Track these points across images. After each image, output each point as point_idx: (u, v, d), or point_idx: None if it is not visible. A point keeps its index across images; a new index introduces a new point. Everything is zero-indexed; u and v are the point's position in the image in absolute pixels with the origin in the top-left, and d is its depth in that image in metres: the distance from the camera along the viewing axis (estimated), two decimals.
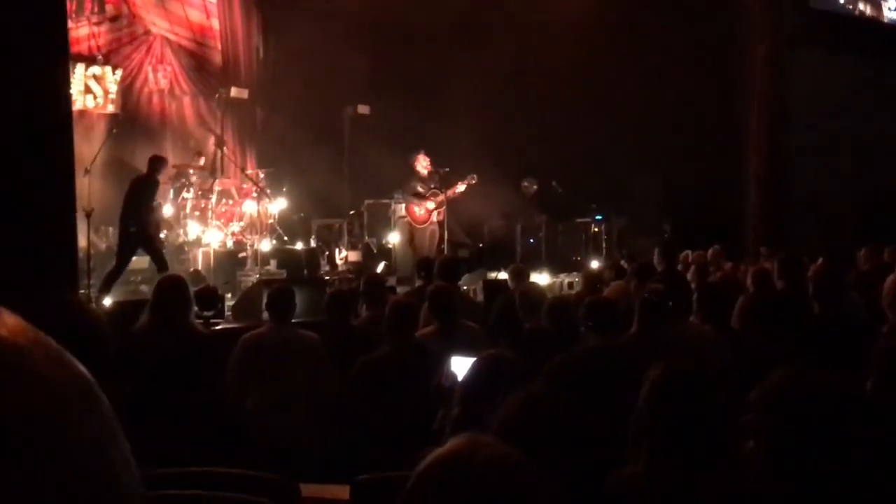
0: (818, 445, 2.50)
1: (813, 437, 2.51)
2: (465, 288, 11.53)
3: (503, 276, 12.41)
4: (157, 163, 13.05)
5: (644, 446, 3.03)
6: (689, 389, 3.05)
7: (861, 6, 24.31)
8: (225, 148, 16.52)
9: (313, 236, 16.28)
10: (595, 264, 15.33)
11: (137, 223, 12.48)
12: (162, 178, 13.24)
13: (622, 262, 13.32)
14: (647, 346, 5.89)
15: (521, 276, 10.01)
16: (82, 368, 0.75)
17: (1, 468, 0.65)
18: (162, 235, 14.09)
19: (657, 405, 3.04)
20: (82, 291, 10.81)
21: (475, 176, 15.29)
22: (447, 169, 15.48)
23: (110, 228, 15.25)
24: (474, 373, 3.85)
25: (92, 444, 0.71)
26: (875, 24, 24.73)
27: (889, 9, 25.01)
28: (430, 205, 15.18)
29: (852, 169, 21.82)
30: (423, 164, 15.29)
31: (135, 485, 0.74)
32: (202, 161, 16.02)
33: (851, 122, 21.99)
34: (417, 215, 15.25)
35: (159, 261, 12.65)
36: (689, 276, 10.94)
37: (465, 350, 4.64)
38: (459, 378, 4.20)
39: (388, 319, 6.52)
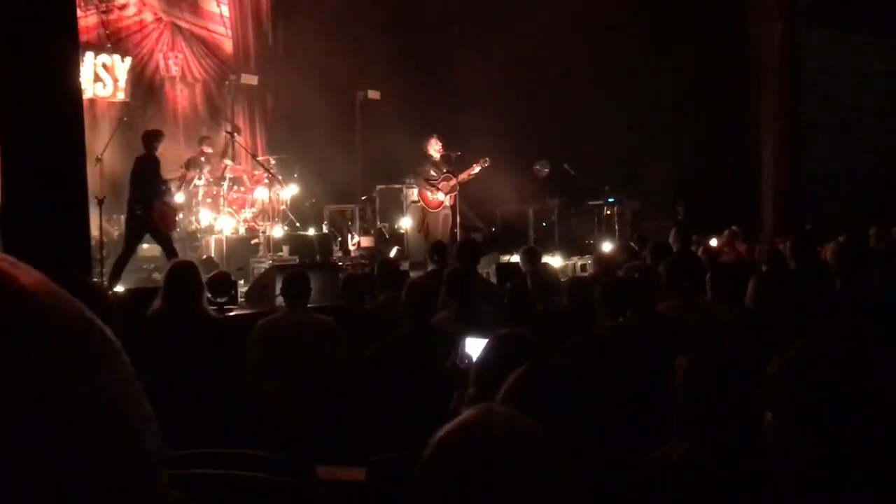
0: (837, 415, 2.48)
1: (832, 407, 2.49)
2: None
3: (516, 259, 12.39)
4: (150, 138, 12.68)
5: (686, 427, 3.03)
6: (727, 372, 3.05)
7: None
8: (237, 135, 16.50)
9: (325, 222, 16.26)
10: (608, 247, 15.30)
11: (143, 205, 12.36)
12: (159, 151, 12.78)
13: (632, 244, 13.29)
14: (663, 327, 5.87)
15: (533, 257, 9.97)
16: (105, 328, 0.74)
17: (25, 419, 0.64)
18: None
19: (698, 388, 3.04)
20: (95, 280, 10.83)
21: (487, 159, 15.23)
22: (459, 153, 15.44)
23: (122, 216, 15.27)
24: (489, 352, 3.83)
25: (114, 399, 0.71)
26: (888, 3, 24.62)
27: None
28: (444, 189, 15.14)
29: (867, 148, 21.73)
30: (435, 148, 15.24)
31: (157, 444, 0.73)
32: (210, 149, 15.95)
33: (865, 100, 21.92)
34: (430, 200, 15.20)
35: (167, 247, 12.53)
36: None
37: (483, 332, 4.62)
38: (474, 359, 4.18)
39: (405, 301, 6.51)
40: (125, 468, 0.69)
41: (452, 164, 15.25)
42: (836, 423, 2.48)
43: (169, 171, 14.26)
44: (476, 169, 15.18)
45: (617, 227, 17.86)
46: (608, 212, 18.19)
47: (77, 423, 0.66)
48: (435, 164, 15.20)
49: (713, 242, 14.74)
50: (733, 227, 14.94)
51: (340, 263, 13.76)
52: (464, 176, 15.16)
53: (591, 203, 18.40)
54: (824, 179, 20.72)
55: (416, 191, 15.66)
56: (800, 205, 19.00)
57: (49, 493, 0.64)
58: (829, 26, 21.86)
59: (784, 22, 19.21)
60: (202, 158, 15.32)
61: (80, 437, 0.66)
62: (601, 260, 10.89)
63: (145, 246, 14.48)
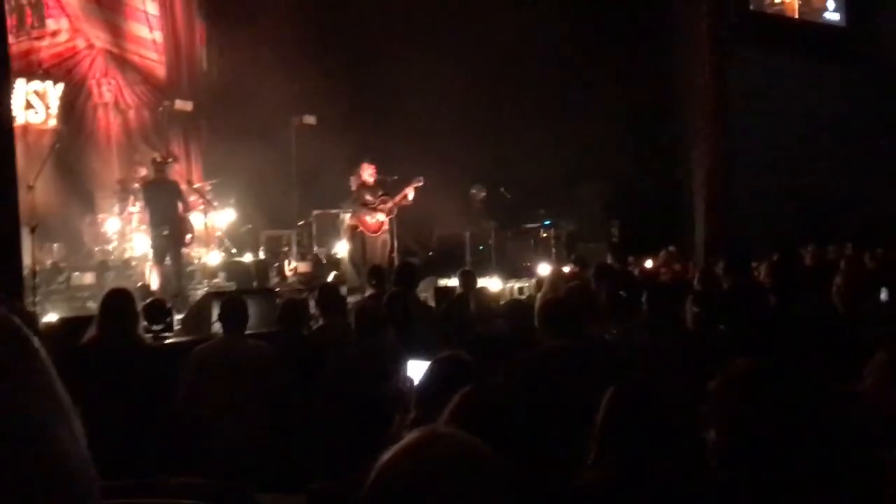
0: (776, 431, 2.51)
1: (770, 423, 2.52)
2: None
3: (454, 282, 12.41)
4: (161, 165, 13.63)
5: (606, 451, 3.05)
6: (646, 401, 3.07)
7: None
8: (173, 160, 16.35)
9: (262, 248, 16.17)
10: (545, 269, 15.37)
11: (171, 226, 12.97)
12: (175, 176, 13.64)
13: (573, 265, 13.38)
14: (601, 347, 5.91)
15: (469, 279, 10.02)
16: (21, 326, 0.71)
17: None
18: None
19: (618, 416, 3.05)
20: (23, 306, 10.64)
21: (421, 178, 15.21)
22: (395, 177, 15.43)
23: (55, 245, 15.06)
24: (430, 375, 3.83)
25: (25, 397, 0.67)
26: (814, 25, 25.18)
27: (829, 9, 25.51)
28: (381, 214, 15.10)
29: (793, 167, 22.12)
30: (368, 172, 15.18)
31: (78, 447, 0.70)
32: (143, 172, 15.72)
33: (791, 121, 22.33)
34: (370, 223, 15.11)
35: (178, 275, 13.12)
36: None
37: (422, 355, 4.62)
38: (416, 382, 4.18)
39: (355, 325, 6.52)
40: (36, 465, 0.66)
41: (388, 187, 15.24)
42: (776, 439, 2.52)
43: (103, 196, 14.17)
44: (410, 190, 15.14)
45: (553, 250, 17.96)
46: (544, 234, 18.30)
47: None
48: (370, 189, 15.15)
49: (648, 263, 14.89)
50: (670, 248, 15.11)
51: (277, 289, 13.67)
52: (399, 198, 15.13)
53: (527, 226, 18.50)
54: (753, 197, 21.03)
55: (352, 216, 15.59)
56: (731, 224, 19.26)
57: None
58: (754, 47, 22.26)
59: (711, 44, 19.53)
60: (135, 185, 15.14)
61: None
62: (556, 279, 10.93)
63: (76, 274, 14.31)
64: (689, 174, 20.29)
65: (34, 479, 0.64)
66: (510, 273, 16.40)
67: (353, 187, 15.36)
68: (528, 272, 16.27)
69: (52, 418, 0.68)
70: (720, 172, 19.47)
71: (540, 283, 12.51)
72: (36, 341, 0.71)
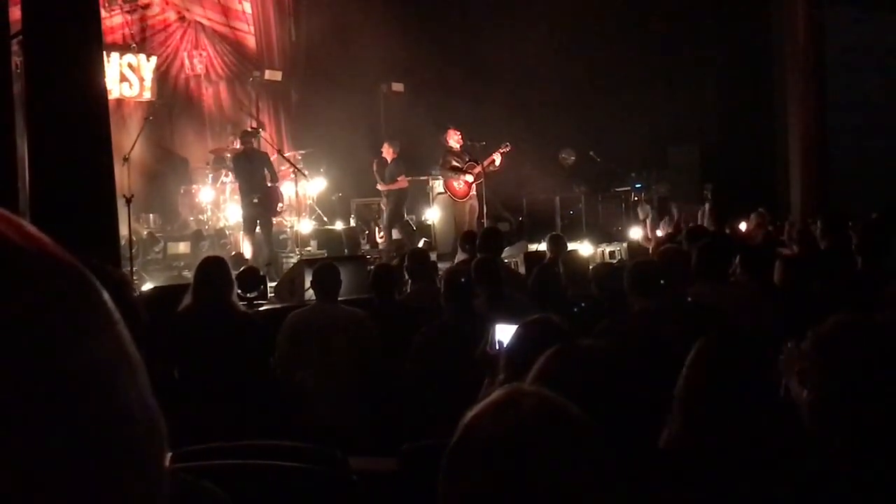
0: (872, 390, 2.46)
1: (867, 381, 2.47)
2: (506, 260, 11.48)
3: (543, 247, 12.36)
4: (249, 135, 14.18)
5: (693, 411, 3.01)
6: (736, 356, 3.02)
7: None
8: (262, 131, 16.51)
9: (352, 216, 16.28)
10: (637, 233, 15.22)
11: (260, 195, 13.33)
12: (265, 146, 14.06)
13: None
14: (693, 309, 5.84)
15: (559, 243, 9.96)
16: (101, 291, 0.70)
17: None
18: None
19: (706, 373, 3.01)
20: (120, 271, 10.84)
21: (508, 143, 15.16)
22: (483, 143, 15.39)
23: (151, 215, 15.36)
24: (518, 338, 3.81)
25: (101, 365, 0.66)
26: None
27: None
28: (469, 178, 15.10)
29: (892, 127, 21.57)
30: (454, 139, 15.20)
31: (152, 426, 0.68)
32: (238, 144, 15.91)
33: (889, 80, 21.76)
34: (457, 189, 15.15)
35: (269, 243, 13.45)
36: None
37: (512, 319, 4.60)
38: (505, 345, 4.17)
39: (445, 289, 6.52)
40: (103, 437, 0.65)
41: (476, 153, 15.21)
42: (871, 396, 2.47)
43: (197, 166, 14.38)
44: (497, 155, 15.10)
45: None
46: (635, 198, 18.11)
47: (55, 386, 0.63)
48: (457, 155, 15.16)
49: (742, 226, 14.66)
50: (760, 209, 14.84)
51: (368, 256, 13.76)
52: (487, 164, 15.10)
53: (617, 190, 18.33)
54: (851, 158, 20.56)
55: (441, 182, 15.63)
56: (828, 185, 18.84)
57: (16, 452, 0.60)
58: (851, 6, 21.70)
59: (806, 3, 19.06)
60: (228, 154, 15.34)
61: (55, 401, 0.63)
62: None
63: (172, 243, 14.58)
64: (783, 135, 19.87)
65: (94, 427, 0.64)
66: (601, 237, 16.27)
67: (385, 154, 15.47)
68: (620, 236, 16.15)
69: (116, 369, 0.68)
70: (816, 132, 19.01)
71: (631, 246, 12.43)
72: (104, 293, 0.70)
